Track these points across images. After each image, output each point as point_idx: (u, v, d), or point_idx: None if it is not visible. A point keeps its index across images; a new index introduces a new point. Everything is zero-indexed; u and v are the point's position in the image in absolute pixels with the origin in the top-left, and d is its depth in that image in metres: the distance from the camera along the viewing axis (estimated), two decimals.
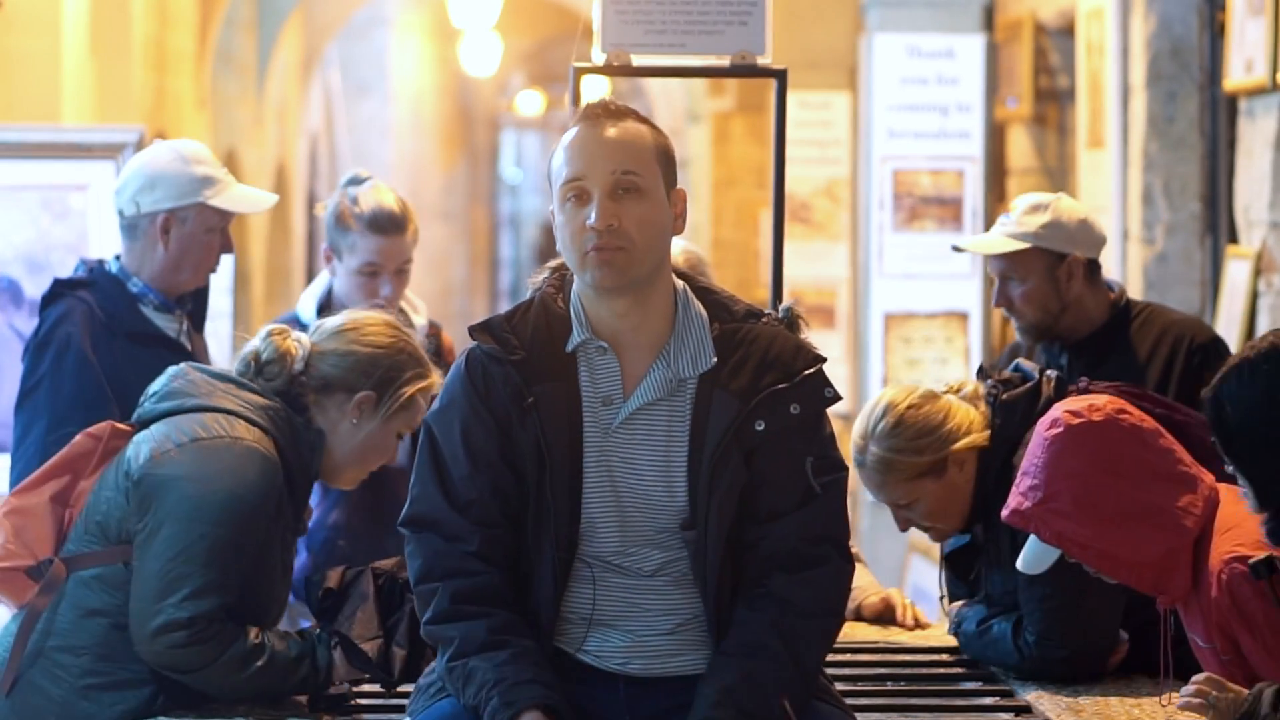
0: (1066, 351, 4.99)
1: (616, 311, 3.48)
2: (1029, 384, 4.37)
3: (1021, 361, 4.52)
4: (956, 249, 5.28)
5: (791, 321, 3.59)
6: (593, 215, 3.41)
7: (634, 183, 3.44)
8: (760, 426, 3.46)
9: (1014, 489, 3.95)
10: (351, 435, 4.00)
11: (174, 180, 4.71)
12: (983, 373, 4.48)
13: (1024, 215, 4.98)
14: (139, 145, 6.47)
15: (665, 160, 3.50)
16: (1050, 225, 4.94)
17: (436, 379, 4.01)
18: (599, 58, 4.76)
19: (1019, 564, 3.98)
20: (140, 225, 4.72)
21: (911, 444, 4.28)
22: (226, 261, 4.88)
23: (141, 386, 4.58)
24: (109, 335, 4.60)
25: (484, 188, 26.41)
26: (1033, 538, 3.93)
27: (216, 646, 3.79)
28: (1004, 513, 3.96)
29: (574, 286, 3.53)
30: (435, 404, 3.56)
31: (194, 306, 4.86)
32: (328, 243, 5.30)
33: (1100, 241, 5.03)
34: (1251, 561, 3.68)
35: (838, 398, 3.53)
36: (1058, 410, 3.95)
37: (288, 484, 3.94)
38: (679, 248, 5.16)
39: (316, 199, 14.25)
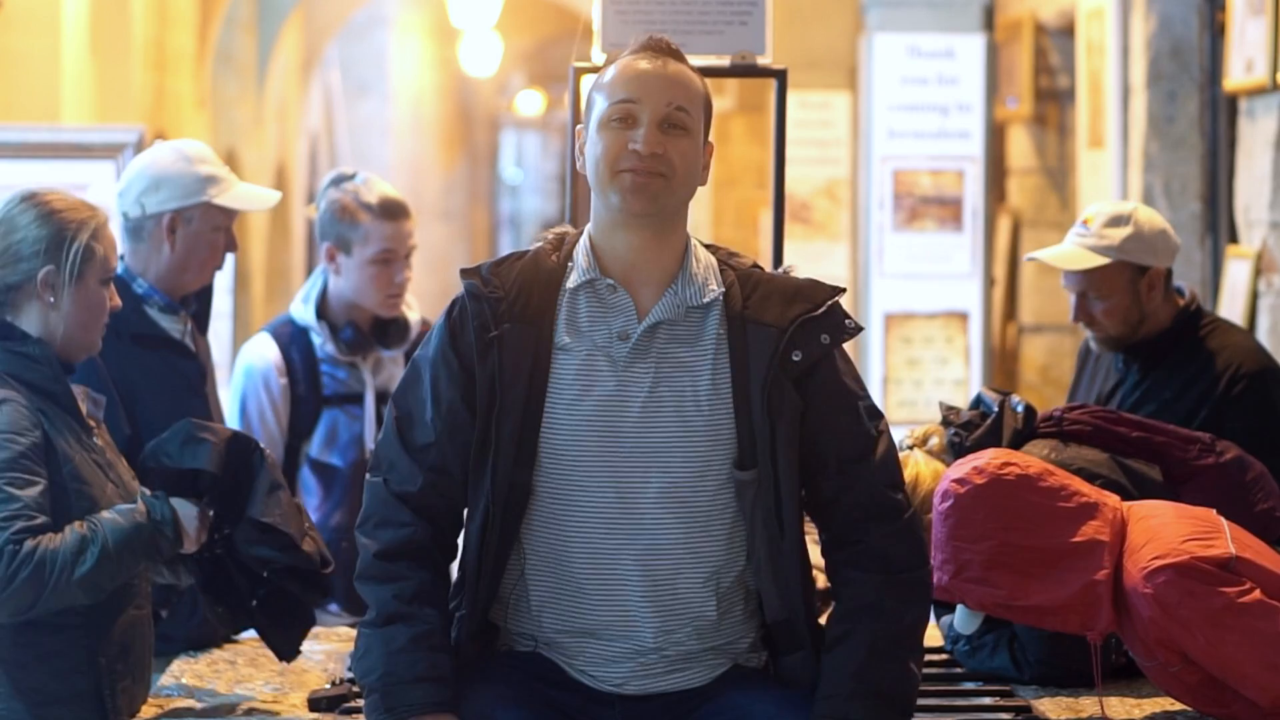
0: (1123, 351, 4.95)
1: (633, 245, 3.47)
2: (989, 420, 4.33)
3: (984, 392, 4.46)
4: (1032, 259, 5.06)
5: None
6: (639, 140, 3.42)
7: (683, 120, 3.46)
8: (797, 357, 3.44)
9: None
10: (63, 313, 3.92)
11: (178, 180, 4.71)
12: (946, 420, 4.39)
13: (1105, 228, 4.85)
14: (139, 145, 6.47)
15: (708, 110, 3.53)
16: (1133, 238, 4.82)
17: (101, 213, 3.95)
18: (599, 58, 4.76)
19: (955, 624, 3.98)
20: (146, 226, 4.72)
21: None
22: (228, 261, 4.88)
23: (147, 389, 4.56)
24: (114, 337, 4.58)
25: (484, 188, 26.40)
26: (960, 606, 3.93)
27: (40, 570, 3.67)
28: None
29: (587, 226, 3.52)
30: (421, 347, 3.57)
31: (198, 308, 4.85)
32: (331, 240, 5.31)
33: (1176, 249, 4.92)
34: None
35: (859, 328, 3.53)
36: (946, 480, 3.91)
37: (46, 398, 3.86)
38: None
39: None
